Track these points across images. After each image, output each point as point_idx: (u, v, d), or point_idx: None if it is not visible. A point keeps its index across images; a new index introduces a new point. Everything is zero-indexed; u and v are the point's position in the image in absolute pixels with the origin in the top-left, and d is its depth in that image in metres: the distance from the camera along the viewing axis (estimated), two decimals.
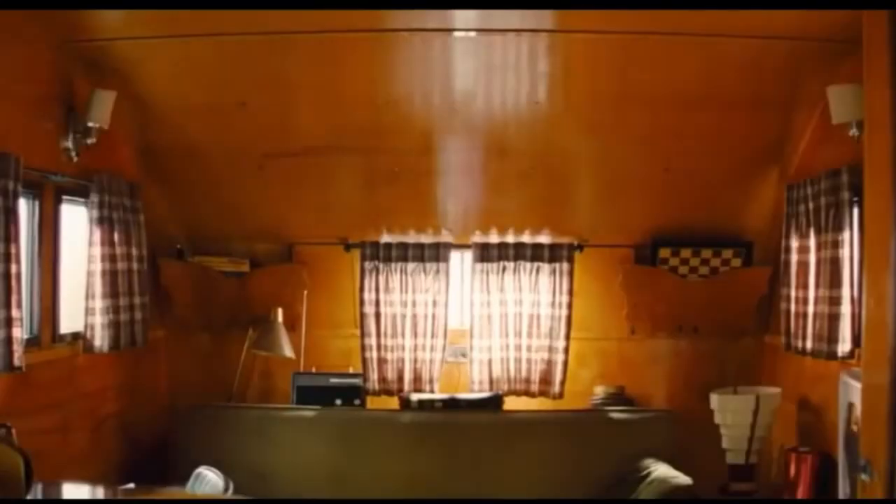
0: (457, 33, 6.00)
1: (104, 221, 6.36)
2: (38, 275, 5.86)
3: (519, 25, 5.83)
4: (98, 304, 6.32)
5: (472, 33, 6.01)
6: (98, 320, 6.32)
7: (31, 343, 5.76)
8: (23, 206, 5.74)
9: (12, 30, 5.43)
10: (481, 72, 6.41)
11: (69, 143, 6.06)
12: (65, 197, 6.18)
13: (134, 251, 6.73)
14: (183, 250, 7.85)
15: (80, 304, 6.29)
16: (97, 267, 6.31)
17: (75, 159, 6.11)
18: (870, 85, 2.78)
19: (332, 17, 5.43)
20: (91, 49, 6.01)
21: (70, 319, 6.25)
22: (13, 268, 5.05)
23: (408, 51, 6.12)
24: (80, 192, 6.29)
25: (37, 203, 5.86)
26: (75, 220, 6.40)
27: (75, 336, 6.29)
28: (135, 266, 6.75)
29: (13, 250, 5.06)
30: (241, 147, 7.01)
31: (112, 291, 6.45)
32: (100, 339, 6.32)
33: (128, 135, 6.85)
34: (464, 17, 5.80)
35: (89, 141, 6.11)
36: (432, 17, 5.66)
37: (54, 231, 6.07)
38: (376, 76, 6.39)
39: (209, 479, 6.29)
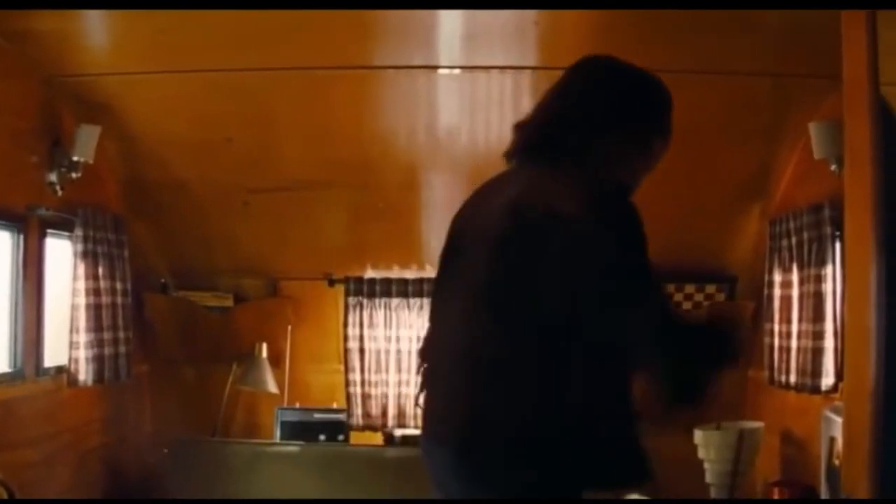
0: (441, 70, 6.04)
1: (89, 255, 6.36)
2: (22, 308, 5.85)
3: (503, 62, 5.87)
4: (82, 337, 6.31)
5: (457, 70, 6.05)
6: (82, 354, 6.31)
7: (15, 376, 5.76)
8: (7, 239, 5.77)
9: None
10: (466, 108, 6.44)
11: (54, 177, 6.06)
12: (49, 231, 6.16)
13: (118, 285, 6.73)
14: (167, 285, 7.85)
15: (64, 338, 6.29)
16: (81, 301, 6.31)
17: (60, 193, 6.11)
18: (849, 119, 2.80)
19: (318, 54, 5.47)
20: (77, 84, 6.03)
21: (54, 353, 6.23)
22: None
23: (393, 88, 6.16)
24: (64, 226, 6.28)
25: (21, 237, 5.85)
26: (60, 253, 6.38)
27: (59, 370, 6.27)
28: (119, 300, 6.74)
29: None
30: (226, 182, 7.02)
31: (96, 325, 6.44)
32: (84, 373, 6.32)
33: (113, 169, 6.87)
34: (448, 55, 5.84)
35: (74, 175, 6.12)
36: (417, 55, 5.70)
37: (38, 265, 6.05)
38: (362, 113, 6.42)
39: None
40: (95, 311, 6.44)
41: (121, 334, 6.76)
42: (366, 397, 7.71)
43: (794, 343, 6.19)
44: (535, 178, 2.94)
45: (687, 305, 7.59)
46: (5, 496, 4.18)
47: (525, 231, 2.76)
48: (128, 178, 7.00)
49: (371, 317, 7.69)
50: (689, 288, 7.57)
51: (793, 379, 6.18)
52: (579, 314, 2.62)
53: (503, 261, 2.79)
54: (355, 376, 7.69)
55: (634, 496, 6.18)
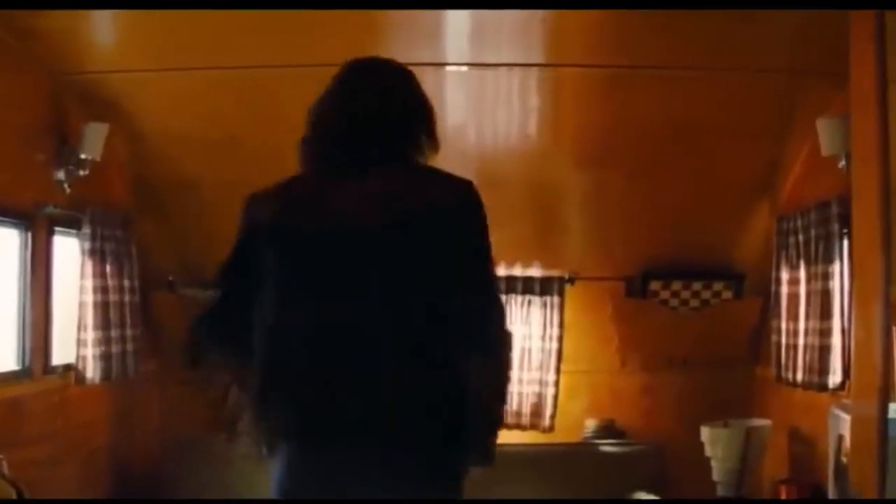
0: (449, 68, 6.03)
1: (96, 253, 6.37)
2: (29, 306, 5.85)
3: (510, 60, 5.86)
4: (90, 335, 6.32)
5: (464, 68, 6.05)
6: (90, 352, 6.32)
7: (23, 374, 5.77)
8: (15, 237, 5.77)
9: (6, 61, 5.45)
10: (473, 105, 6.43)
11: (61, 175, 6.06)
12: (57, 228, 6.17)
13: (126, 283, 6.74)
14: (175, 283, 7.83)
15: (72, 336, 6.30)
16: (89, 298, 6.32)
17: (67, 191, 6.11)
18: (857, 116, 2.81)
19: (327, 51, 5.45)
20: (85, 82, 6.04)
21: (62, 351, 6.24)
22: None
23: None
24: (72, 224, 6.29)
25: (29, 235, 5.85)
26: (67, 251, 6.39)
27: (67, 367, 6.28)
28: (127, 298, 6.75)
29: None
30: (234, 180, 6.94)
31: (104, 323, 6.44)
32: (91, 371, 6.32)
33: (120, 167, 6.87)
34: (456, 52, 5.84)
35: (82, 173, 6.11)
36: (425, 52, 5.69)
37: (46, 263, 6.06)
38: None
39: None
40: (103, 308, 6.45)
41: (128, 332, 6.76)
42: None
43: (801, 340, 6.18)
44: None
45: (694, 303, 7.58)
46: (14, 494, 4.18)
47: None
48: (136, 175, 7.00)
49: None
50: (697, 285, 7.56)
51: (800, 376, 6.17)
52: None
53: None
54: None
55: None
